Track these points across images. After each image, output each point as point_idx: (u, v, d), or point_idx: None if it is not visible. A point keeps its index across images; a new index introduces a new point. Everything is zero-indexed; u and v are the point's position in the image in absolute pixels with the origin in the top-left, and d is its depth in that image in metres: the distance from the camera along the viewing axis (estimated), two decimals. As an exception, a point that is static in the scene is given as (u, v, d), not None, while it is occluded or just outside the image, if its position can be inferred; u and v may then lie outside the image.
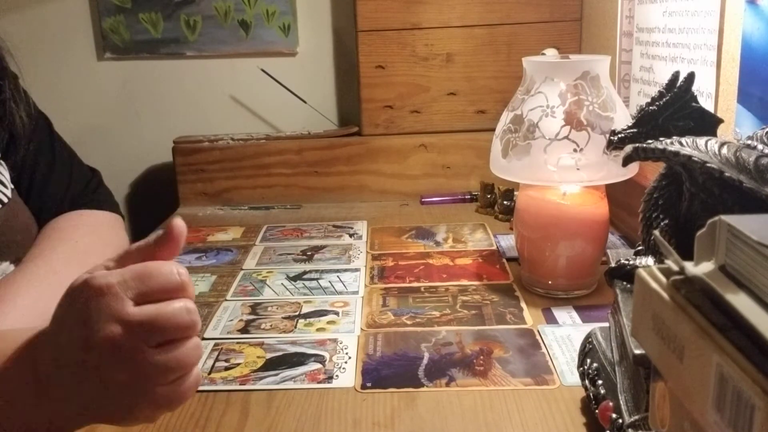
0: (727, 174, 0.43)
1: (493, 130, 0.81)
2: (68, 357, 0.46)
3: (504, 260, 0.90)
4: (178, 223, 0.47)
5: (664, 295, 0.31)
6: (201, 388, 0.62)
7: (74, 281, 0.47)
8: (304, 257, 0.94)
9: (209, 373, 0.64)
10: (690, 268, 0.30)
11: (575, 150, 0.73)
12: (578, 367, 0.58)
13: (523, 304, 0.77)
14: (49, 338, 0.48)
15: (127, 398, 0.46)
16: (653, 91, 0.62)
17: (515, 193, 0.95)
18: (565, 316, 0.74)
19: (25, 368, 0.48)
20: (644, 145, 0.49)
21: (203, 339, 0.70)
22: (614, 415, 0.49)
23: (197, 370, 0.48)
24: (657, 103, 0.55)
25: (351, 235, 1.03)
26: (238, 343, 0.70)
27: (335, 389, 0.61)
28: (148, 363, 0.45)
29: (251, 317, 0.76)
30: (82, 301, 0.46)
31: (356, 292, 0.82)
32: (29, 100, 0.91)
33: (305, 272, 0.89)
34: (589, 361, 0.56)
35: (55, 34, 1.28)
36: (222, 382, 0.63)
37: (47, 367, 0.48)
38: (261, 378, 0.63)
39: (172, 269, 0.46)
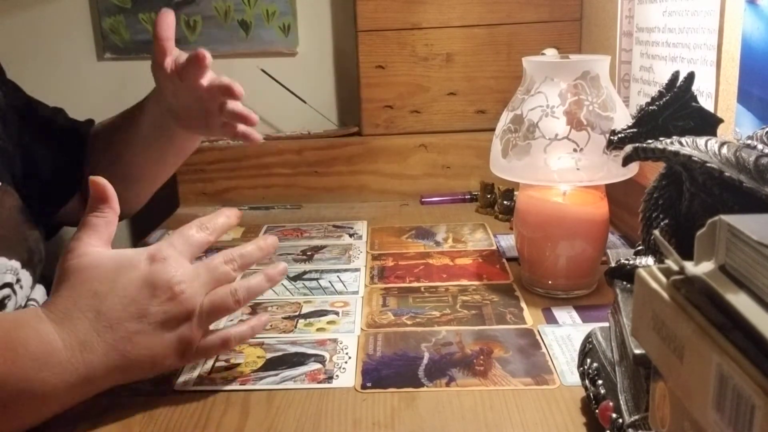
0: (727, 174, 0.43)
1: (493, 130, 0.81)
2: (124, 318, 0.54)
3: (504, 260, 0.90)
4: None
5: (664, 295, 0.31)
6: (201, 388, 0.62)
7: (119, 256, 0.57)
8: (304, 257, 0.94)
9: (209, 373, 0.64)
10: (690, 268, 0.30)
11: (575, 150, 0.73)
12: (578, 367, 0.58)
13: (523, 304, 0.77)
14: (82, 309, 0.54)
15: (177, 345, 0.56)
16: (653, 90, 0.63)
17: (515, 193, 0.95)
18: (565, 316, 0.74)
19: (50, 344, 0.53)
20: (644, 145, 0.49)
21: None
22: (614, 415, 0.49)
23: (226, 333, 0.60)
24: (657, 102, 0.55)
25: (351, 235, 1.03)
26: (238, 343, 0.70)
27: (335, 389, 0.61)
28: (203, 307, 0.58)
29: (251, 317, 0.76)
30: (145, 265, 0.56)
31: (356, 292, 0.82)
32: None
33: (305, 272, 0.89)
34: (589, 361, 0.56)
35: (55, 34, 1.28)
36: (222, 382, 0.63)
37: (83, 340, 0.53)
38: (261, 378, 0.63)
39: (198, 229, 0.63)
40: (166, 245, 0.58)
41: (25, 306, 0.83)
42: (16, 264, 0.79)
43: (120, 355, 0.53)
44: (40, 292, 0.87)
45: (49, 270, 0.92)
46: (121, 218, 1.03)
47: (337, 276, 0.87)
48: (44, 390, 0.51)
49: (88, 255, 0.55)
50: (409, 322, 0.74)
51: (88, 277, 0.54)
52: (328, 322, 0.74)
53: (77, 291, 0.54)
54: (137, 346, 0.54)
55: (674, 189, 0.51)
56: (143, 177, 1.00)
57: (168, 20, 0.83)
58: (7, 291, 0.78)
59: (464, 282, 0.84)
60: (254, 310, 0.78)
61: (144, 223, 1.15)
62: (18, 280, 0.79)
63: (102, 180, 0.57)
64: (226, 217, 0.62)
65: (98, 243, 0.56)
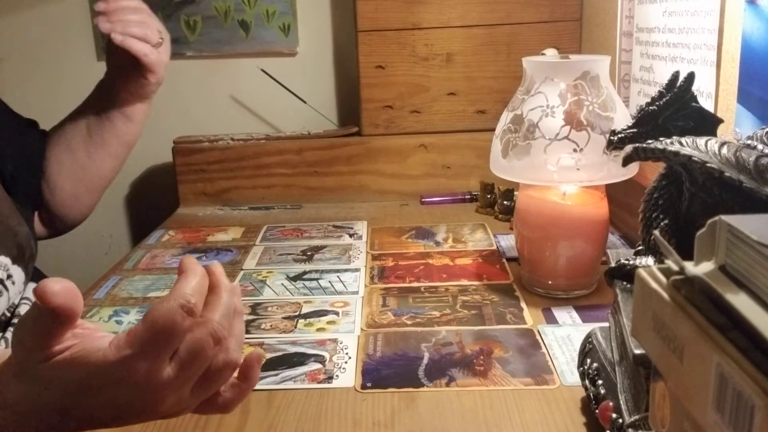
0: (727, 174, 0.43)
1: (493, 130, 0.81)
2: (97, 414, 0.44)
3: (504, 260, 0.90)
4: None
5: (664, 295, 0.31)
6: (201, 388, 0.62)
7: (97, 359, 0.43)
8: (304, 257, 0.94)
9: (209, 373, 0.64)
10: (690, 268, 0.30)
11: (575, 150, 0.73)
12: (578, 367, 0.58)
13: (523, 304, 0.77)
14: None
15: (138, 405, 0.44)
16: (653, 91, 0.63)
17: (515, 193, 0.95)
18: (565, 316, 0.74)
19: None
20: (644, 145, 0.49)
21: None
22: (614, 415, 0.49)
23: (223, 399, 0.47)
24: (657, 103, 0.55)
25: (351, 235, 1.03)
26: (238, 343, 0.70)
27: (335, 389, 0.61)
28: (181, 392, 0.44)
29: (251, 317, 0.76)
30: (126, 384, 0.43)
31: (356, 292, 0.82)
32: None
33: (305, 272, 0.89)
34: (589, 361, 0.56)
35: (55, 34, 1.28)
36: (222, 382, 0.63)
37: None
38: (261, 378, 0.63)
39: (172, 313, 0.42)
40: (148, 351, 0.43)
41: (18, 304, 0.83)
42: (5, 260, 0.79)
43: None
44: None
45: (51, 268, 0.93)
46: (72, 225, 0.98)
47: (337, 276, 0.87)
48: None
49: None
50: (409, 322, 0.74)
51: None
52: (328, 322, 0.74)
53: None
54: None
55: (674, 189, 0.51)
56: (92, 168, 0.95)
57: None
58: None
59: (464, 282, 0.84)
60: (254, 309, 0.78)
61: (144, 223, 1.15)
62: (9, 276, 0.79)
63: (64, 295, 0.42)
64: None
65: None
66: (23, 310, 0.83)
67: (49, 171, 0.94)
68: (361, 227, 1.06)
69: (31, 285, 0.87)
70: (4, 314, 0.80)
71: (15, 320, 0.81)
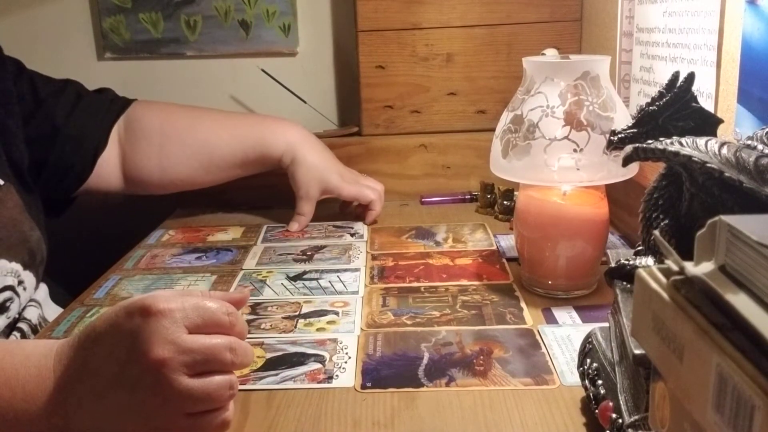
0: (727, 174, 0.43)
1: (493, 130, 0.81)
2: (102, 370, 0.48)
3: (504, 260, 0.90)
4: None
5: (664, 295, 0.31)
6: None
7: (126, 302, 0.50)
8: (304, 257, 0.94)
9: (209, 373, 0.64)
10: (690, 268, 0.30)
11: (575, 150, 0.73)
12: (578, 367, 0.58)
13: (523, 304, 0.77)
14: (79, 350, 0.50)
15: (147, 421, 0.48)
16: (653, 91, 0.63)
17: (515, 193, 0.95)
18: (565, 316, 0.74)
19: (44, 381, 0.49)
20: (644, 145, 0.49)
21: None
22: (614, 415, 0.49)
23: (225, 416, 0.51)
24: (657, 103, 0.55)
25: (351, 235, 1.03)
26: (238, 343, 0.70)
27: (335, 389, 0.62)
28: (182, 387, 0.47)
29: (251, 317, 0.76)
30: (138, 318, 0.48)
31: (356, 292, 0.82)
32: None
33: (305, 272, 0.89)
34: (589, 361, 0.56)
35: (55, 34, 1.28)
36: (222, 382, 0.63)
37: (68, 381, 0.49)
38: (261, 378, 0.63)
39: (222, 308, 0.51)
40: (173, 299, 0.49)
41: (25, 306, 0.83)
42: (17, 266, 0.79)
43: (89, 412, 0.49)
44: (42, 293, 0.87)
45: (52, 269, 0.93)
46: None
47: (337, 276, 0.87)
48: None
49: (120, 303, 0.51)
50: (409, 322, 0.74)
51: (95, 323, 0.51)
52: (328, 322, 0.74)
53: (81, 335, 0.51)
54: (105, 408, 0.49)
55: (674, 189, 0.51)
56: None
57: None
58: (8, 294, 0.77)
59: (464, 282, 0.84)
60: (254, 309, 0.78)
61: (144, 224, 1.15)
62: (20, 282, 0.79)
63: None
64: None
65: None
66: (30, 312, 0.83)
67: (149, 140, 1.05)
68: (362, 227, 1.06)
69: (42, 287, 0.87)
70: (13, 318, 0.80)
71: (21, 323, 0.81)
